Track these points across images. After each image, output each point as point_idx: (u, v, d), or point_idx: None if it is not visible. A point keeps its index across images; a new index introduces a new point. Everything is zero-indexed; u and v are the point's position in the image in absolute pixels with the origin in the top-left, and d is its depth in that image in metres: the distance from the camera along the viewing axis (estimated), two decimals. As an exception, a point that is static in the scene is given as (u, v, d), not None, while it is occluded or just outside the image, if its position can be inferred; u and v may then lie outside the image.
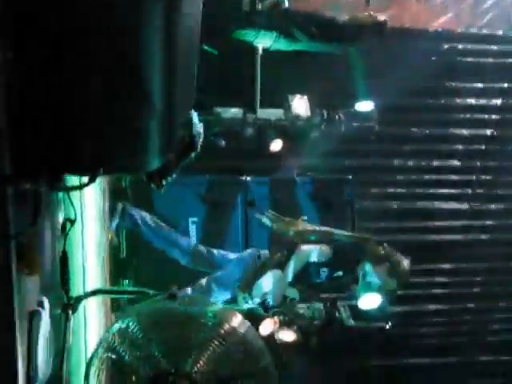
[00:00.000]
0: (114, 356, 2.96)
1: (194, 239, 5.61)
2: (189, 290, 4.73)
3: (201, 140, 3.74)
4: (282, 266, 4.87)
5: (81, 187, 2.57)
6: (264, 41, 5.80)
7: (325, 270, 4.96)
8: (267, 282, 4.74)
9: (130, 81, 2.45)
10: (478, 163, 7.55)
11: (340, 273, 4.96)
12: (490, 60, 7.54)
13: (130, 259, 5.45)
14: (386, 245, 4.94)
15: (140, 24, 2.38)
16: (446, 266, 7.49)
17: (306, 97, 6.46)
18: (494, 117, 7.62)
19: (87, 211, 4.00)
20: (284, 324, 5.75)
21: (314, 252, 4.85)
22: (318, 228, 4.99)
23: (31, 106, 2.41)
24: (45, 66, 2.39)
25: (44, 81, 2.41)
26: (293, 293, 4.92)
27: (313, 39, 5.93)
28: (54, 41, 2.29)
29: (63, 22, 2.29)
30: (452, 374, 7.35)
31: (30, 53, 2.38)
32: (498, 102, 7.62)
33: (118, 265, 5.53)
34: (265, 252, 5.14)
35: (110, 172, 2.73)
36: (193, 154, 3.36)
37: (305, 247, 4.87)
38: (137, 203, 5.56)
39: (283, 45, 5.85)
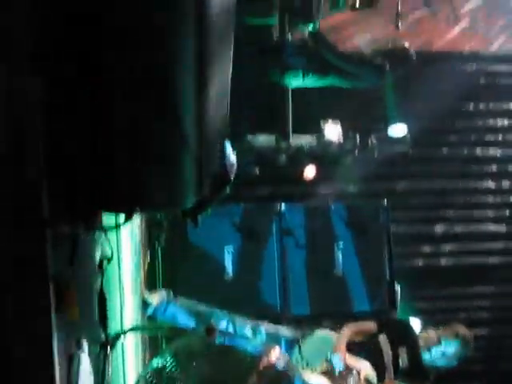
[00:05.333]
0: (152, 393, 2.96)
1: (229, 269, 5.61)
2: (225, 323, 4.71)
3: (234, 170, 3.74)
4: None
5: (117, 227, 2.58)
6: (291, 80, 5.84)
7: None
8: None
9: (164, 118, 2.46)
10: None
11: None
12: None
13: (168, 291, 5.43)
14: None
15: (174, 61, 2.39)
16: (487, 289, 7.37)
17: (338, 122, 6.45)
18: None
19: (123, 246, 4.00)
20: None
21: None
22: None
23: (66, 147, 2.42)
24: (80, 107, 2.41)
25: (79, 121, 2.43)
26: None
27: (344, 62, 5.95)
28: (95, 86, 2.30)
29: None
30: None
31: (64, 95, 2.40)
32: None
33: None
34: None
35: (146, 210, 2.73)
36: (227, 188, 3.37)
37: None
38: (172, 234, 5.57)
39: (311, 82, 5.87)
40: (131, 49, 2.29)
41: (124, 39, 2.26)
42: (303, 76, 5.86)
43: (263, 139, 6.38)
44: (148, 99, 2.39)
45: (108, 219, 2.72)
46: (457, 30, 7.30)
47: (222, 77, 2.78)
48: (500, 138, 7.50)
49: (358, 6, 5.71)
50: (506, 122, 7.52)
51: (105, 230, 2.73)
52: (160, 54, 2.31)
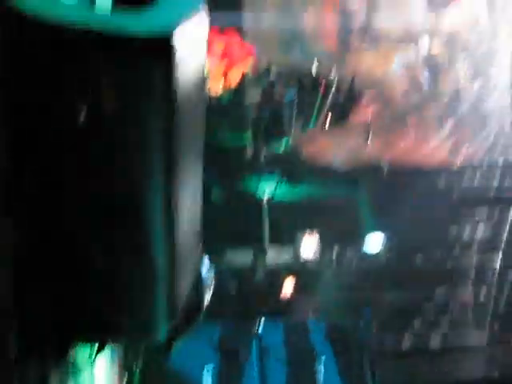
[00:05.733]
0: None
1: (208, 390, 5.49)
2: None
3: (211, 289, 3.70)
4: None
5: (90, 358, 2.52)
6: (266, 188, 5.93)
7: None
8: None
9: (133, 249, 2.45)
10: (494, 294, 7.47)
11: None
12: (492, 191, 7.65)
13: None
14: None
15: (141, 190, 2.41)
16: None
17: (315, 234, 6.50)
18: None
19: (97, 377, 3.89)
20: None
21: None
22: None
23: (35, 277, 2.40)
24: (49, 235, 2.41)
25: (47, 252, 2.42)
26: None
27: (315, 176, 6.09)
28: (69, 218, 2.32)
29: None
30: None
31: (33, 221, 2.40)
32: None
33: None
34: None
35: (117, 341, 2.69)
36: (201, 316, 3.33)
37: None
38: (149, 356, 5.46)
39: (286, 191, 5.98)
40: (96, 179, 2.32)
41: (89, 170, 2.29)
42: (277, 185, 5.96)
43: (240, 255, 6.40)
44: (118, 230, 2.40)
45: (80, 352, 2.66)
46: (427, 143, 7.48)
47: (193, 199, 2.80)
48: (475, 247, 7.56)
49: (327, 126, 5.87)
50: (479, 233, 7.61)
51: (76, 363, 2.66)
52: (127, 182, 2.33)
